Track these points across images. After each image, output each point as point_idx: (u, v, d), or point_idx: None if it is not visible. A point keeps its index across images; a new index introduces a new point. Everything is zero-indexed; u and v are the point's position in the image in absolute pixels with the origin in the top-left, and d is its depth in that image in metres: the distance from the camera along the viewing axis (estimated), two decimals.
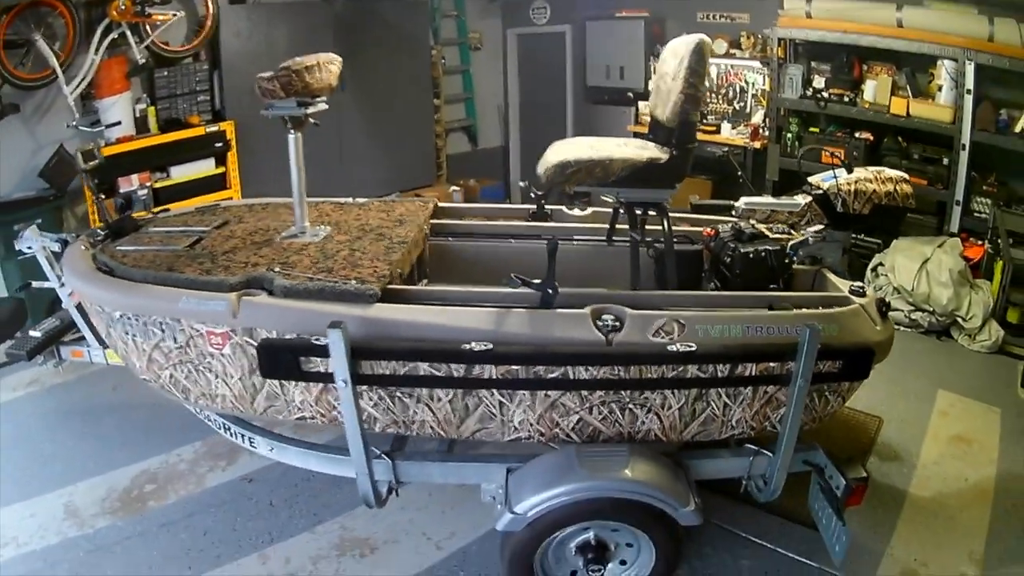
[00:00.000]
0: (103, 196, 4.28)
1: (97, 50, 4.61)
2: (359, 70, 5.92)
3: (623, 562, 2.33)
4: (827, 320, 2.25)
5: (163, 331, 2.36)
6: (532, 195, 3.33)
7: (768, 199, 2.85)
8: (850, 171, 2.73)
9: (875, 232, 4.48)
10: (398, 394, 2.22)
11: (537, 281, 2.13)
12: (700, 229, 2.98)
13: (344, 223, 2.94)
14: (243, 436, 2.63)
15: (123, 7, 4.60)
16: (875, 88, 4.94)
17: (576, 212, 3.37)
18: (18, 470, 3.22)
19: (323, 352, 2.09)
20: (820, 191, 2.73)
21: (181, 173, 5.15)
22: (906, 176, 2.76)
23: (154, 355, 2.45)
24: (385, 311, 2.17)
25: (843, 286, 2.60)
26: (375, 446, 2.31)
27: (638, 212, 2.67)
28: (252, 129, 5.32)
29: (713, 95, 6.40)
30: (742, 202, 2.82)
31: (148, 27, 4.82)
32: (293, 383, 2.29)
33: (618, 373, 2.11)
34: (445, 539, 2.78)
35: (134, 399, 3.66)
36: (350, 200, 3.27)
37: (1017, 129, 4.34)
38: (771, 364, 2.17)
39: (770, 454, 2.34)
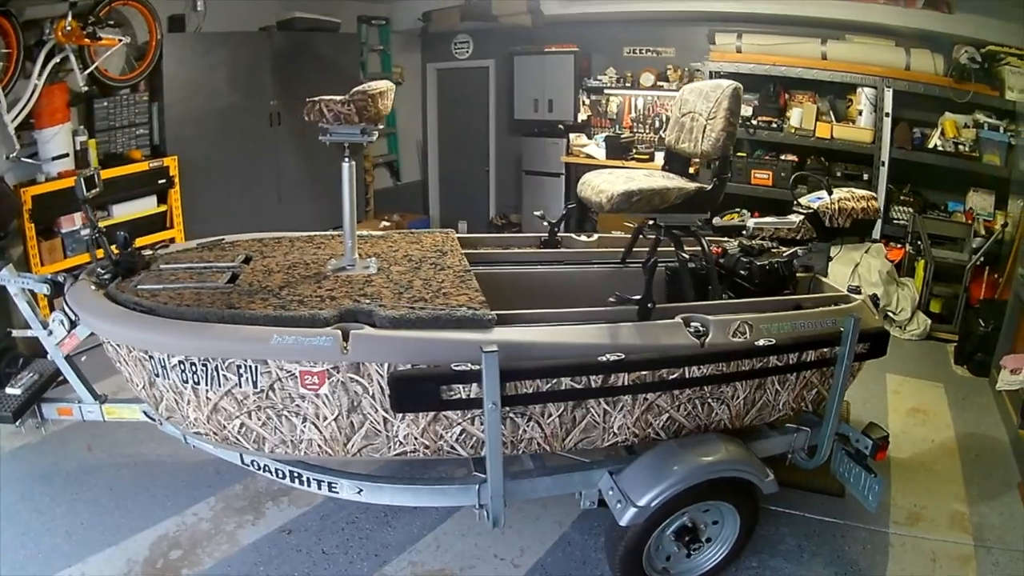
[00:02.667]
0: (42, 237, 4.20)
1: (40, 74, 4.48)
2: (295, 104, 6.11)
3: (708, 539, 2.84)
4: (851, 313, 2.96)
5: (240, 375, 2.36)
6: (545, 223, 3.79)
7: (771, 219, 3.56)
8: (830, 193, 3.51)
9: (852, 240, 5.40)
10: (511, 415, 2.47)
11: (637, 297, 2.65)
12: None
13: (384, 255, 3.16)
14: (319, 483, 2.67)
15: (70, 28, 4.49)
16: (801, 115, 5.98)
17: (583, 238, 3.91)
18: (7, 551, 2.98)
19: (468, 378, 2.31)
20: (811, 210, 3.49)
21: (123, 212, 5.11)
22: (874, 194, 3.60)
23: (222, 404, 2.44)
24: (504, 334, 2.39)
25: (839, 287, 3.34)
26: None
27: (676, 233, 3.24)
28: (194, 165, 5.41)
29: (639, 125, 7.29)
30: (751, 223, 3.52)
31: (92, 52, 4.75)
32: (401, 418, 2.41)
33: (707, 370, 2.64)
34: (517, 557, 3.01)
35: (115, 459, 3.59)
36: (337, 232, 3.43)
37: (930, 145, 5.51)
38: (824, 350, 2.83)
39: (808, 429, 3.01)
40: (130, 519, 3.19)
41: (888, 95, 5.57)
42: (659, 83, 7.06)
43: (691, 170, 3.55)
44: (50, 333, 3.00)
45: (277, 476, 2.72)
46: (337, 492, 2.65)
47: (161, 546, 3.04)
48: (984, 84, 5.33)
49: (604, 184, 3.05)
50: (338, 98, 2.73)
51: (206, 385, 2.41)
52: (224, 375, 2.38)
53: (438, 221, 8.72)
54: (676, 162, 3.53)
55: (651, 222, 3.22)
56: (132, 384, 2.70)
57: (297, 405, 2.41)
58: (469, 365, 2.29)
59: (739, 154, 6.54)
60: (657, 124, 7.20)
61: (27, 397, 3.12)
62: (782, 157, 6.18)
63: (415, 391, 2.32)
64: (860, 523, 3.25)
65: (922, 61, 5.53)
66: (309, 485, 2.68)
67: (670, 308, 2.78)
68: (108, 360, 2.72)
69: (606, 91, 7.34)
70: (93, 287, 2.72)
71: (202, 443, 2.77)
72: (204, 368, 2.38)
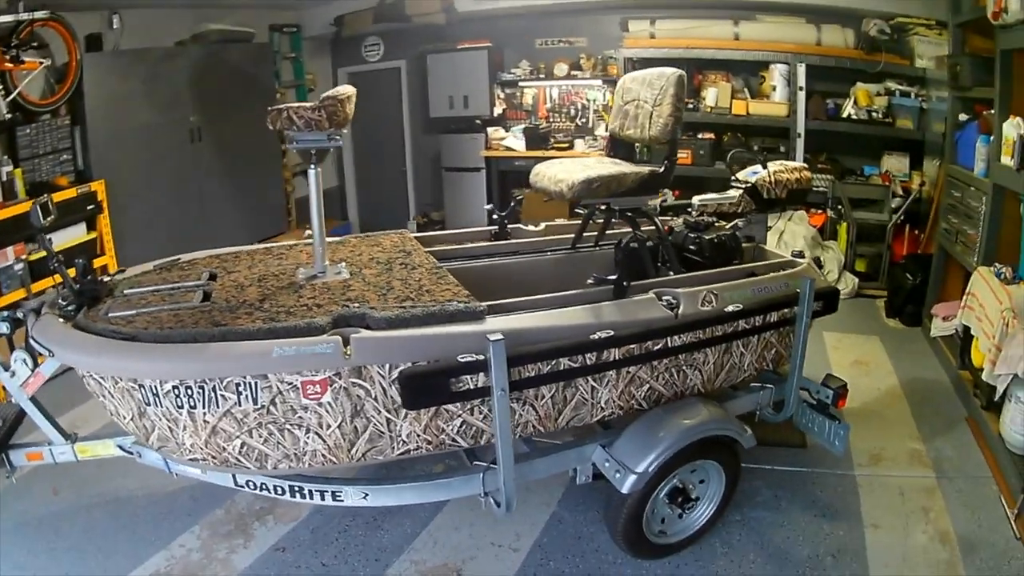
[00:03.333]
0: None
1: None
2: (214, 119, 6.14)
3: (697, 498, 3.03)
4: (803, 275, 3.22)
5: (240, 393, 2.36)
6: (495, 216, 3.92)
7: (713, 195, 3.78)
8: (765, 167, 3.78)
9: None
10: (511, 401, 2.55)
11: (613, 277, 2.82)
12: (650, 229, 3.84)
13: (350, 260, 3.21)
14: (322, 493, 2.68)
15: None
16: (716, 94, 6.34)
17: (531, 228, 4.07)
18: None
19: (475, 369, 2.41)
20: (749, 184, 3.75)
21: (56, 241, 4.76)
22: (806, 165, 3.89)
23: (221, 425, 2.43)
24: (499, 323, 2.51)
25: (782, 254, 3.62)
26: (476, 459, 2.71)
27: (631, 215, 3.44)
28: (121, 188, 5.29)
29: (555, 114, 7.53)
30: (696, 200, 3.74)
31: (14, 77, 4.55)
32: (404, 416, 2.48)
33: (684, 339, 2.84)
34: (514, 541, 3.11)
35: (85, 499, 3.47)
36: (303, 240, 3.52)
37: (845, 114, 5.98)
38: (784, 311, 3.08)
39: (772, 387, 3.29)
40: (116, 561, 3.08)
41: (801, 70, 6.01)
42: (573, 72, 7.30)
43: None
44: (12, 374, 2.88)
45: (276, 493, 2.71)
46: (342, 500, 2.67)
47: None
48: (895, 54, 5.85)
49: (561, 174, 3.20)
50: (308, 104, 2.78)
51: (203, 408, 2.40)
52: (222, 395, 2.37)
53: (358, 226, 8.74)
54: (621, 148, 3.75)
55: (603, 207, 3.42)
56: (118, 417, 2.64)
57: (299, 417, 2.43)
58: (474, 356, 2.40)
59: None
60: (573, 112, 7.47)
61: None
62: (700, 136, 6.53)
63: (426, 387, 2.40)
64: (827, 469, 3.55)
65: (833, 36, 6.00)
66: (311, 497, 2.68)
67: (641, 285, 2.95)
68: (60, 397, 2.68)
69: (520, 84, 7.52)
70: (60, 319, 2.62)
71: (190, 470, 2.75)
72: (201, 390, 2.37)
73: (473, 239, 3.91)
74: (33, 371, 2.87)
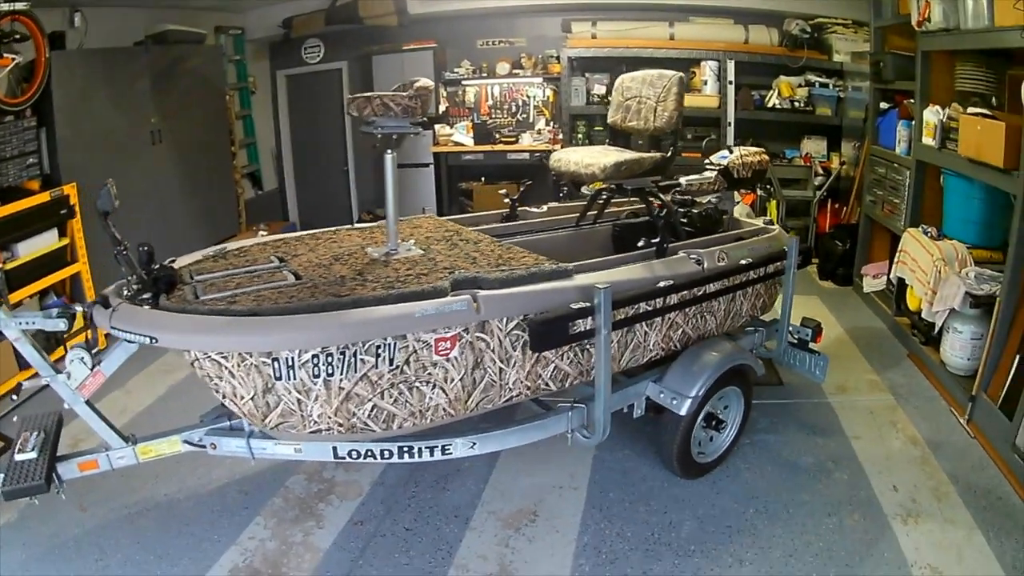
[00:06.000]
0: None
1: None
2: (172, 120, 6.24)
3: (723, 422, 3.74)
4: (778, 238, 4.07)
5: (379, 355, 2.63)
6: (507, 200, 4.48)
7: (695, 176, 4.53)
8: (731, 152, 4.59)
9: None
10: (588, 346, 3.11)
11: (656, 240, 3.52)
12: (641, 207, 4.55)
13: (403, 239, 3.51)
14: (431, 449, 2.96)
15: None
16: None
17: (534, 210, 4.65)
18: None
19: (585, 314, 2.92)
20: (721, 166, 4.55)
21: (29, 249, 4.79)
22: (764, 150, 4.74)
23: (356, 390, 2.66)
24: (579, 280, 3.06)
25: (756, 222, 4.46)
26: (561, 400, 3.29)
27: (646, 191, 4.10)
28: (94, 192, 4.90)
29: (496, 111, 8.14)
30: (683, 180, 4.50)
31: None
32: (511, 363, 2.91)
33: (713, 287, 3.56)
34: (571, 481, 3.59)
35: (119, 511, 3.38)
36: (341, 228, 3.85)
37: (770, 105, 7.00)
38: (777, 264, 3.90)
39: (763, 330, 4.11)
40: (184, 566, 3.07)
41: (730, 66, 7.01)
42: (515, 71, 7.97)
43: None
44: (68, 376, 2.83)
45: (382, 457, 2.94)
46: (451, 452, 2.98)
47: None
48: (815, 50, 6.97)
49: (588, 159, 3.79)
50: (403, 93, 3.14)
51: (340, 374, 2.61)
52: (362, 359, 2.62)
53: (299, 227, 8.90)
54: (620, 138, 4.46)
55: (613, 187, 4.10)
56: (233, 399, 2.68)
57: (429, 373, 2.76)
58: (582, 303, 2.96)
59: (596, 128, 7.73)
60: (514, 109, 8.07)
61: (48, 458, 2.89)
62: None
63: (550, 331, 2.90)
64: (805, 399, 4.42)
65: (759, 35, 7.05)
66: (420, 455, 2.96)
67: (674, 247, 3.66)
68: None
69: (463, 82, 8.09)
70: (143, 307, 2.68)
71: (282, 450, 2.97)
72: (342, 356, 2.59)
73: (489, 221, 4.42)
74: (93, 370, 2.85)
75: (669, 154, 3.97)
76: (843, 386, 4.57)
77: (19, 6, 4.51)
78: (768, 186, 6.80)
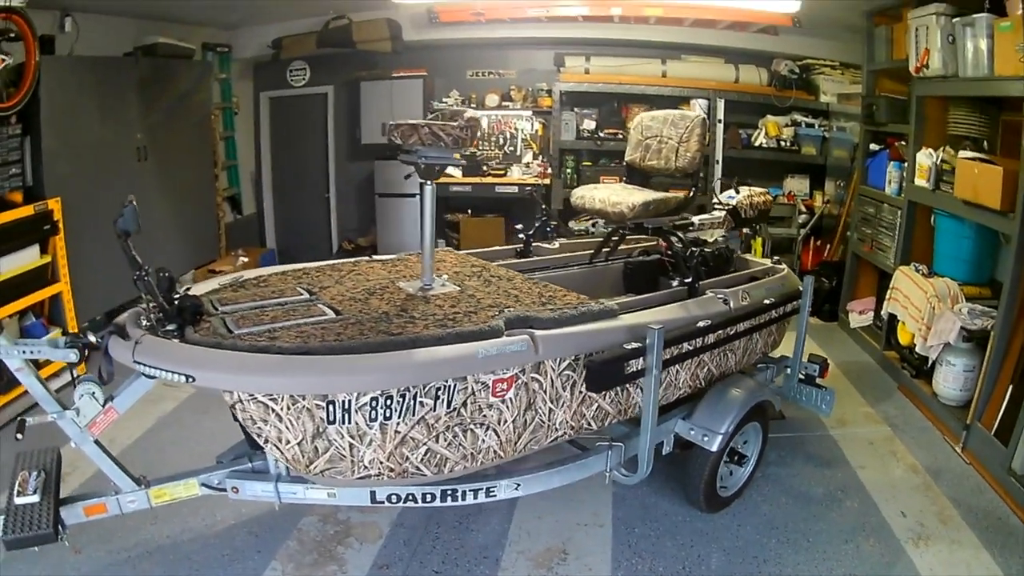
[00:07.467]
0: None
1: None
2: (158, 137, 6.18)
3: (745, 456, 3.91)
4: (788, 277, 4.31)
5: (438, 397, 2.58)
6: (521, 236, 4.63)
7: (706, 216, 4.75)
8: (738, 192, 4.84)
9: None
10: (628, 386, 3.20)
11: (688, 280, 3.69)
12: (650, 244, 4.82)
13: (441, 275, 3.57)
14: (475, 492, 2.96)
15: None
16: None
17: (546, 246, 4.81)
18: None
19: (637, 354, 3.01)
20: (730, 206, 4.79)
21: (9, 266, 4.58)
22: (767, 191, 5.00)
23: (412, 434, 2.60)
24: (627, 319, 3.15)
25: (763, 262, 4.70)
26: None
27: (665, 231, 4.27)
28: (78, 208, 5.07)
29: (483, 142, 8.21)
30: (696, 219, 4.71)
31: None
32: (559, 403, 2.94)
33: (741, 327, 3.74)
34: (595, 518, 3.65)
35: (120, 554, 3.23)
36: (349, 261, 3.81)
37: (756, 143, 7.31)
38: (793, 303, 4.12)
39: (774, 366, 4.35)
40: None
41: (720, 104, 7.32)
42: (504, 103, 8.11)
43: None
44: (77, 412, 2.63)
45: (424, 501, 2.91)
46: (495, 495, 2.99)
47: None
48: (803, 91, 7.34)
49: (613, 197, 3.94)
50: (454, 123, 3.12)
51: (398, 417, 2.54)
52: (421, 401, 2.57)
53: (278, 254, 8.87)
54: (636, 176, 4.63)
55: (630, 224, 4.24)
56: (276, 444, 2.52)
57: (484, 415, 2.75)
58: (635, 344, 3.05)
59: (585, 163, 7.91)
60: (501, 141, 8.20)
61: (52, 504, 2.69)
62: (626, 162, 7.60)
63: (607, 372, 2.97)
64: (808, 432, 4.64)
65: (749, 75, 7.40)
66: (464, 498, 2.95)
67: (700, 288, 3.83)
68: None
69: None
70: (174, 339, 2.55)
71: (316, 495, 2.88)
72: (402, 399, 2.51)
73: (504, 256, 4.53)
74: (104, 406, 2.66)
75: (691, 194, 4.16)
76: (842, 419, 4.80)
77: (14, 3, 4.36)
78: (755, 224, 7.09)
